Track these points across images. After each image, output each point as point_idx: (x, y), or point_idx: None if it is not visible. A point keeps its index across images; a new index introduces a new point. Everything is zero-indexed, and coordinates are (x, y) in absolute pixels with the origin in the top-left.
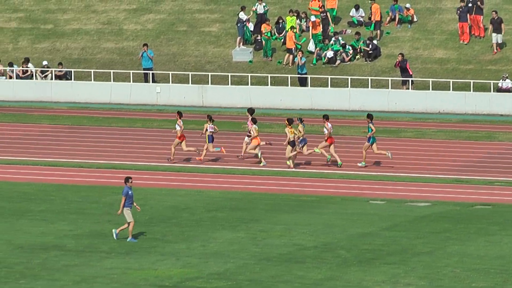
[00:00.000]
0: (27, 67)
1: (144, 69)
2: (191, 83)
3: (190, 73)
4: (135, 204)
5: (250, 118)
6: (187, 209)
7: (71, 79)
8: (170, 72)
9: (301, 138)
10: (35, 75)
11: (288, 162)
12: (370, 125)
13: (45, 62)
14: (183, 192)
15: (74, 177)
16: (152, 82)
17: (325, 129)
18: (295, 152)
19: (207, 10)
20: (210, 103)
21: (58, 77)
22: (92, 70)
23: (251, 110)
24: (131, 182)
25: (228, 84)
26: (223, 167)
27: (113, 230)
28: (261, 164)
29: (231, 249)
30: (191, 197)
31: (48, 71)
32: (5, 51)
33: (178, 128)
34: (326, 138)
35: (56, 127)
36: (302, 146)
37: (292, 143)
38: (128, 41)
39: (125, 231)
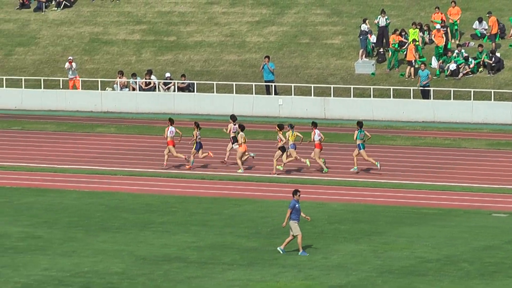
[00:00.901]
0: (150, 79)
1: (265, 82)
2: (313, 95)
3: (312, 85)
4: (303, 215)
5: (237, 125)
6: (309, 221)
7: (193, 91)
8: (293, 84)
9: (291, 143)
10: (158, 87)
11: (279, 167)
12: (356, 132)
13: (167, 74)
14: (305, 204)
15: (197, 188)
16: (274, 94)
17: (314, 137)
18: (291, 158)
19: (330, 22)
20: (332, 116)
21: (181, 89)
22: (214, 82)
23: (233, 117)
24: (299, 195)
25: (350, 97)
26: (344, 179)
27: (278, 248)
28: (239, 171)
29: (353, 261)
30: (313, 209)
31: (170, 83)
32: (128, 63)
33: (169, 134)
34: (314, 145)
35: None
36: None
37: (283, 149)
38: (251, 53)
39: (290, 244)
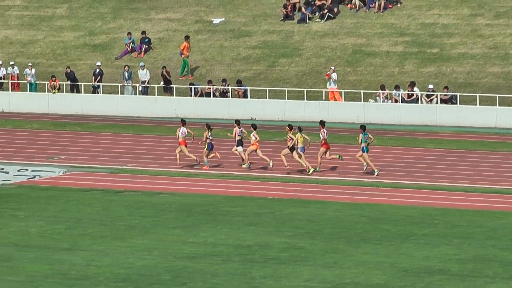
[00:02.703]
0: (412, 91)
1: None
2: None
3: None
4: None
5: (241, 129)
6: None
7: (456, 103)
8: None
9: (301, 146)
10: (421, 99)
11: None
12: (360, 135)
13: (430, 86)
14: None
15: (458, 201)
16: None
17: (320, 135)
18: (302, 162)
19: None
20: None
21: (444, 101)
22: (477, 94)
23: (237, 121)
24: None
25: None
26: None
27: None
28: (243, 166)
29: None
30: None
31: (433, 95)
32: (391, 74)
33: (181, 135)
34: (321, 144)
35: (440, 151)
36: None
37: (292, 148)
38: None
39: None
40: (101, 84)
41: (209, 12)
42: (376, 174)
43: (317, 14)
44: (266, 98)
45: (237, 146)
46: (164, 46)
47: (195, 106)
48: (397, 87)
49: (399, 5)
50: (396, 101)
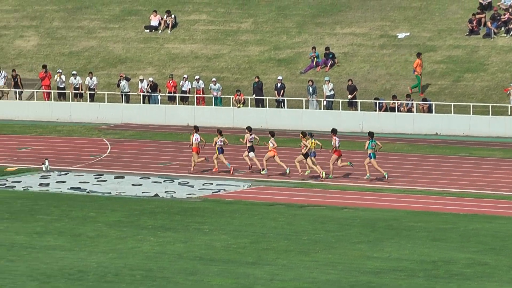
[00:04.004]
0: None
1: None
2: None
3: None
4: None
5: (253, 135)
6: None
7: None
8: None
9: (312, 151)
10: None
11: (307, 172)
12: (367, 141)
13: None
14: None
15: None
16: None
17: (332, 143)
18: (314, 167)
19: None
20: None
21: None
22: None
23: (249, 128)
24: None
25: None
26: None
27: None
28: (263, 172)
29: None
30: None
31: None
32: None
33: (194, 141)
34: (333, 151)
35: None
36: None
37: (306, 155)
38: None
39: None
40: (285, 98)
41: (394, 26)
42: (386, 177)
43: (502, 29)
44: (451, 113)
45: (248, 152)
46: (349, 60)
47: (380, 121)
48: None
49: None
50: None
